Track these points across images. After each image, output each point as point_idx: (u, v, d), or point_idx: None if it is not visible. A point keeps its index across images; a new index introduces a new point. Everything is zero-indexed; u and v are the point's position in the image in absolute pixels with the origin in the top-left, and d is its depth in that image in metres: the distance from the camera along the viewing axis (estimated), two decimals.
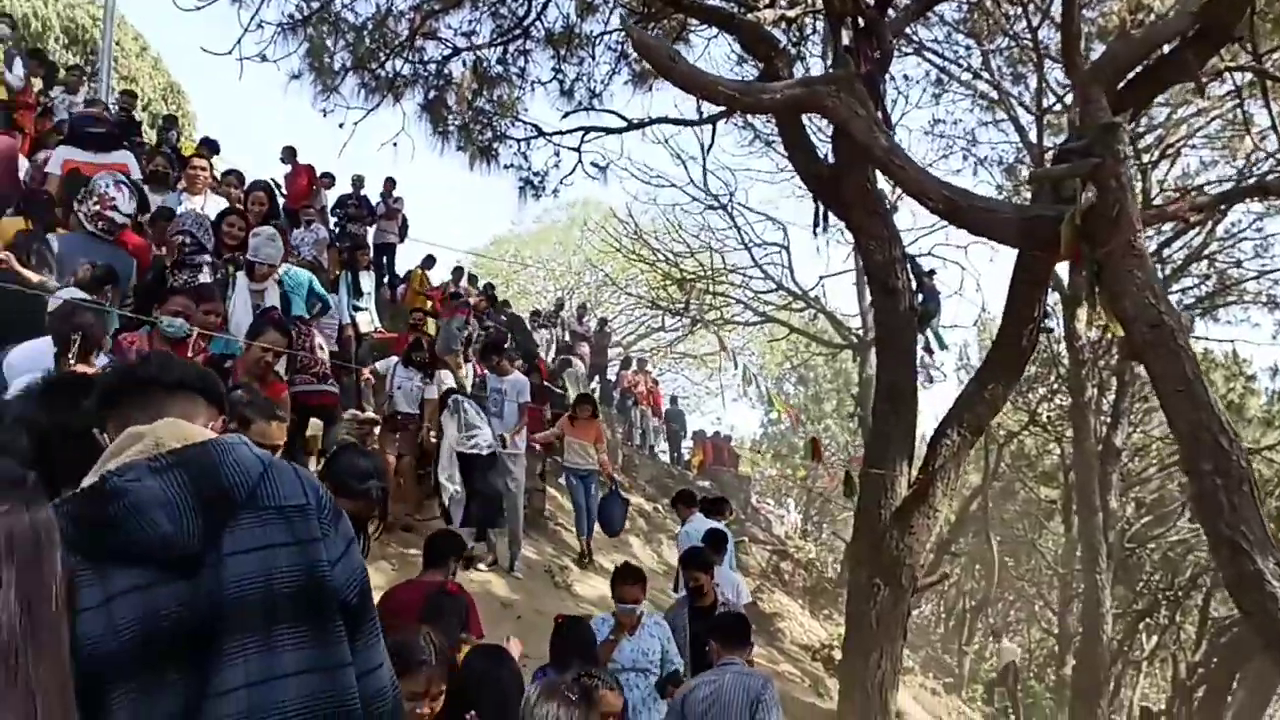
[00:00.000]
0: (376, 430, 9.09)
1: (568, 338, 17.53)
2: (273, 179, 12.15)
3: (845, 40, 8.04)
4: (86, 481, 1.67)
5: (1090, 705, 17.39)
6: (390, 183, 14.84)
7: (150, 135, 14.02)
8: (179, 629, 1.59)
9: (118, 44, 19.68)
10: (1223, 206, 13.90)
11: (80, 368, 4.21)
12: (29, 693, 1.22)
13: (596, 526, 10.86)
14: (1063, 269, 11.95)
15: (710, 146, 20.27)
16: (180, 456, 1.70)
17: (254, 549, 1.70)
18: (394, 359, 9.30)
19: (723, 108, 10.40)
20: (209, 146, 12.42)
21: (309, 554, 1.76)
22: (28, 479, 1.36)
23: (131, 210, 6.73)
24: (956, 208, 5.41)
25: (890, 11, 8.59)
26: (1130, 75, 6.17)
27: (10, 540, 1.26)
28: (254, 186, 8.97)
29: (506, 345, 10.75)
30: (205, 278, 6.67)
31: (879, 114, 6.36)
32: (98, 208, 6.49)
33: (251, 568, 1.68)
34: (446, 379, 9.56)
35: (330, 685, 1.73)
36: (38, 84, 11.07)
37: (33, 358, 4.45)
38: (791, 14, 9.96)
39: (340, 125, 10.81)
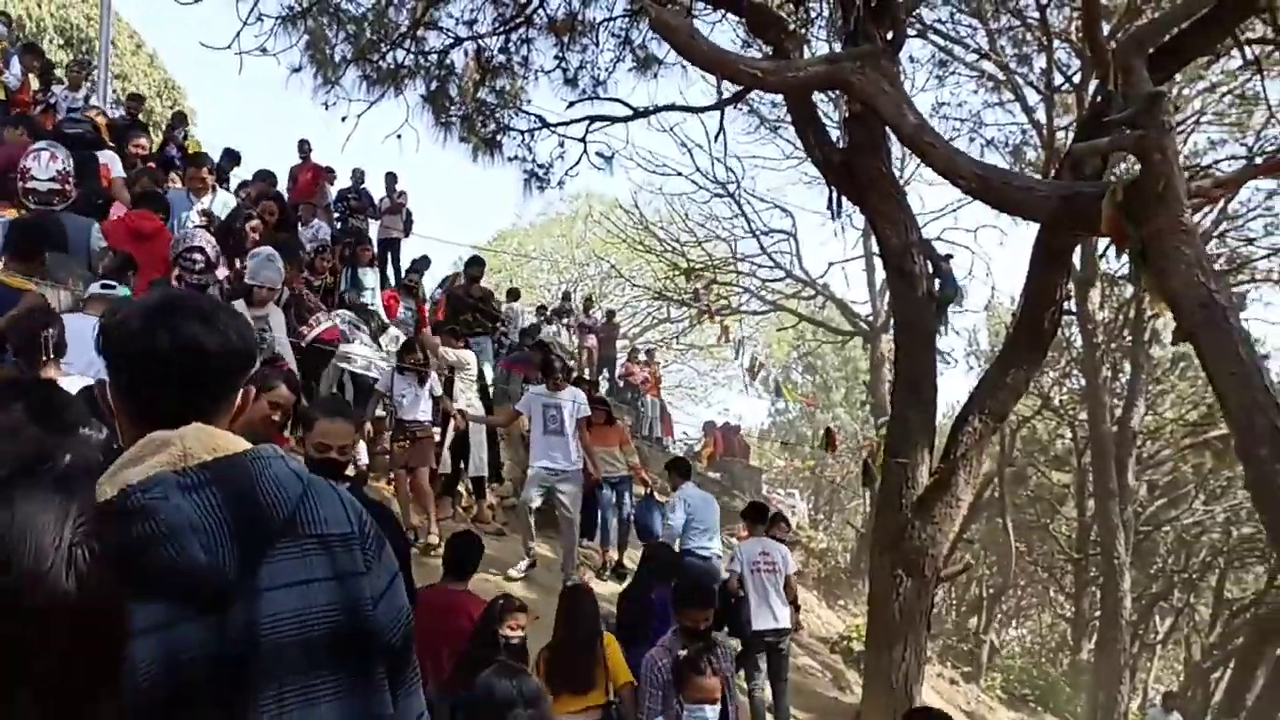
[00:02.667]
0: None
1: (566, 331, 17.30)
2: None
3: (854, 22, 7.84)
4: (101, 492, 1.38)
5: (1111, 689, 17.24)
6: (392, 177, 14.63)
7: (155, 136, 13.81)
8: (204, 675, 1.36)
9: (112, 42, 19.45)
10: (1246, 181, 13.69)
11: (50, 371, 3.79)
12: None
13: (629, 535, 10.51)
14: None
15: (719, 134, 19.99)
16: (213, 472, 1.44)
17: (293, 584, 1.46)
18: (391, 371, 8.97)
19: (736, 91, 10.22)
20: (231, 158, 12.28)
21: (351, 591, 1.53)
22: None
23: (53, 172, 6.34)
24: (990, 186, 5.21)
25: None
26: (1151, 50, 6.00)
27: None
28: (263, 194, 8.69)
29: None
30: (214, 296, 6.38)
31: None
32: (22, 184, 6.23)
33: (289, 605, 1.44)
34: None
35: None
36: (35, 82, 10.87)
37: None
38: None
39: (343, 119, 10.59)
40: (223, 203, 8.44)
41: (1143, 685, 22.96)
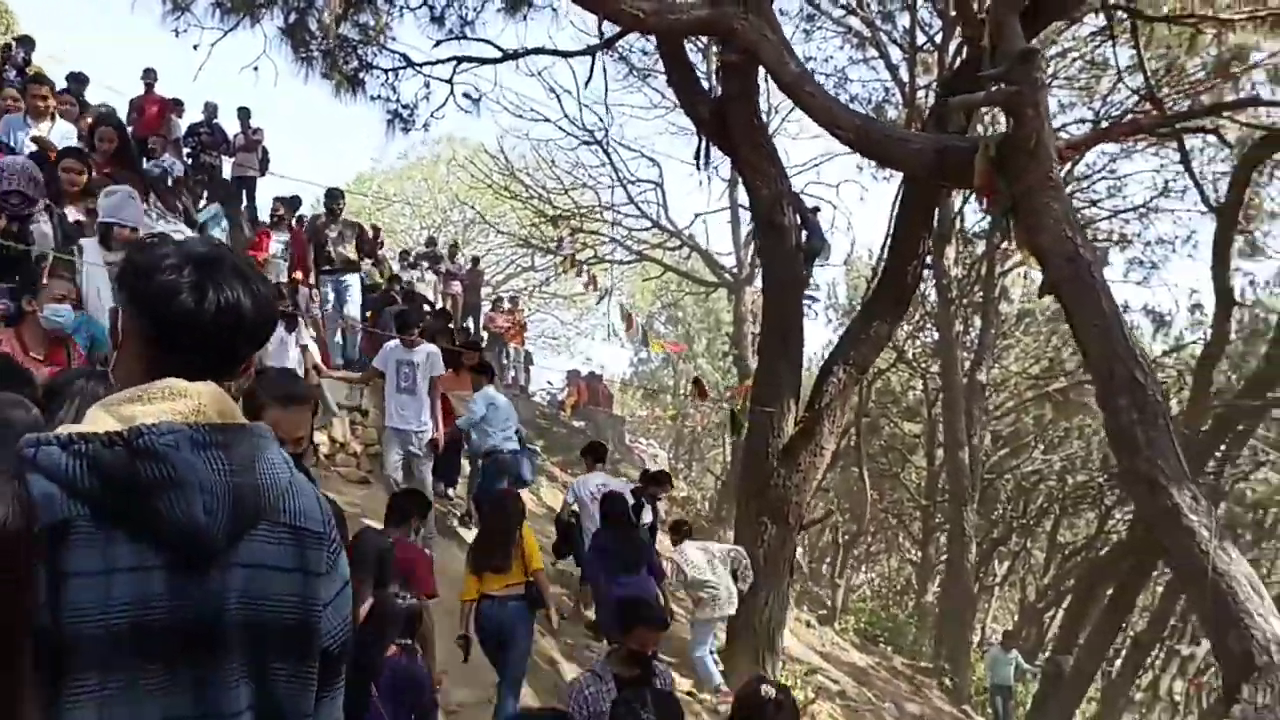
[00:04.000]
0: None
1: (434, 277, 16.91)
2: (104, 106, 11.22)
3: None
4: (99, 420, 1.37)
5: (956, 629, 18.06)
6: (245, 112, 13.94)
7: None
8: (172, 628, 1.35)
9: None
10: (1100, 143, 14.29)
11: None
12: None
13: None
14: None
15: (589, 80, 19.83)
16: (224, 436, 1.43)
17: (264, 566, 1.46)
18: None
19: (608, 36, 10.07)
20: (77, 80, 11.40)
21: (309, 588, 1.53)
22: None
23: None
24: (869, 138, 5.26)
25: None
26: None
27: None
28: (100, 120, 8.01)
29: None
30: (46, 230, 5.50)
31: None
32: None
33: (256, 586, 1.45)
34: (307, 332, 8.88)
35: None
36: None
37: None
38: None
39: (195, 47, 10.05)
40: (62, 133, 7.84)
41: (980, 625, 24.12)
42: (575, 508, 8.97)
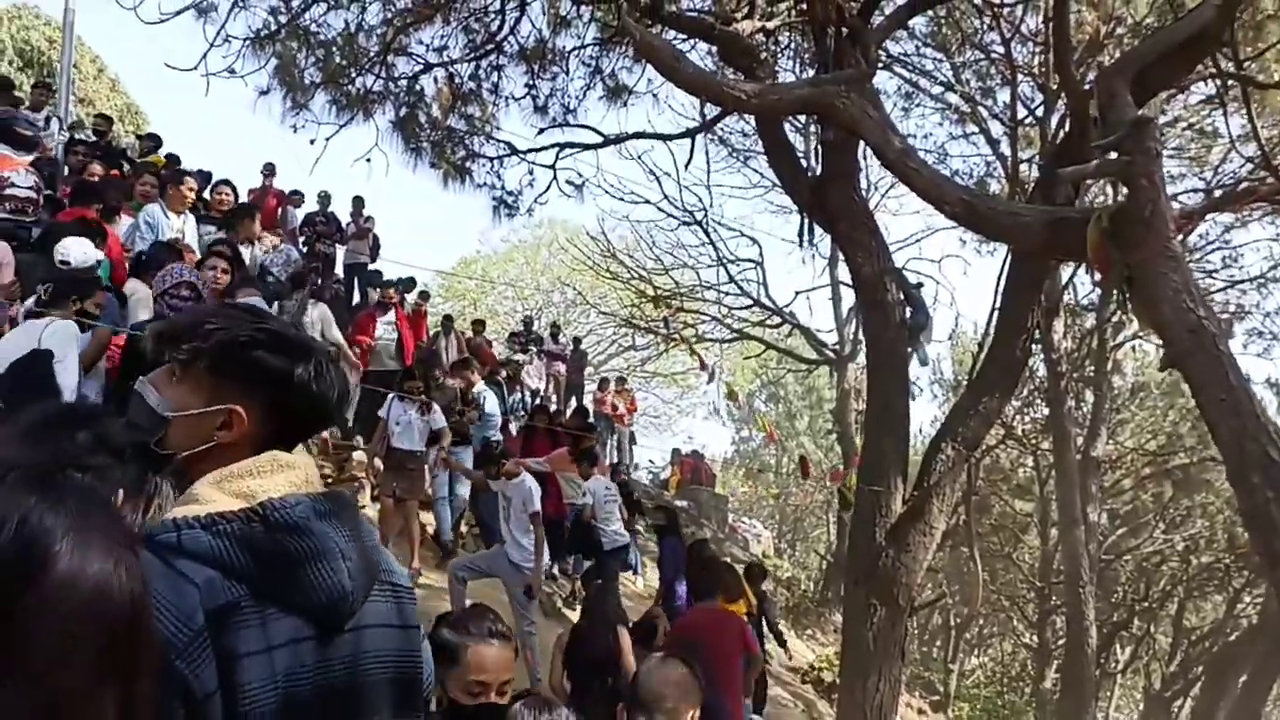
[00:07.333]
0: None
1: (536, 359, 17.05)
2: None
3: (828, 51, 7.87)
4: (215, 498, 1.38)
5: (1076, 718, 17.26)
6: (359, 201, 14.48)
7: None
8: (317, 697, 1.38)
9: (75, 66, 19.19)
10: (1210, 215, 13.96)
11: None
12: None
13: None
14: None
15: (690, 161, 20.14)
16: (334, 504, 1.47)
17: (380, 625, 1.51)
18: (391, 395, 8.71)
19: (708, 119, 10.22)
20: (205, 179, 12.00)
21: (411, 641, 1.59)
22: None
23: (31, 183, 6.79)
24: (976, 213, 5.20)
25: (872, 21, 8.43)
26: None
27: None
28: (217, 243, 7.71)
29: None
30: None
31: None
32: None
33: (376, 645, 1.49)
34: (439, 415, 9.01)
35: None
36: None
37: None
38: (771, 25, 9.78)
39: (311, 142, 10.48)
40: (192, 230, 8.11)
41: (1104, 714, 23.05)
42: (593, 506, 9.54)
